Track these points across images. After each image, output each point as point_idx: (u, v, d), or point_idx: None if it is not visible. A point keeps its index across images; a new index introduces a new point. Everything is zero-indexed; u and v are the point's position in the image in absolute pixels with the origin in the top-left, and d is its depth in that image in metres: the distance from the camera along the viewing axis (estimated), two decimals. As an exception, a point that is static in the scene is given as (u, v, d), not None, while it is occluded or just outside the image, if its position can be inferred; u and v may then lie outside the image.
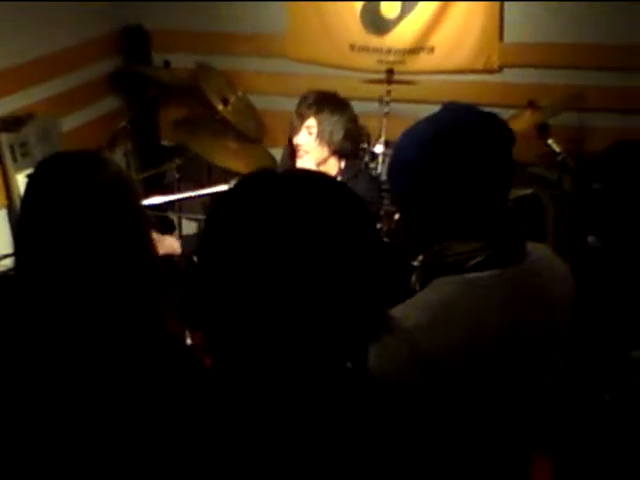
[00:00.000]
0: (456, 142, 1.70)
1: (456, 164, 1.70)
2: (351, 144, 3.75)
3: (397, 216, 3.85)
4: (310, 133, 3.61)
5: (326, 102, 3.67)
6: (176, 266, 3.55)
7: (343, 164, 3.74)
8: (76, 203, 1.63)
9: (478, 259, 1.73)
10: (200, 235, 3.51)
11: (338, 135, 3.63)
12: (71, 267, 1.61)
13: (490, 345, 1.70)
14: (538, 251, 1.86)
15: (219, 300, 1.22)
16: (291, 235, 1.18)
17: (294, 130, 3.67)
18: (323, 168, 3.64)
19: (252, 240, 1.19)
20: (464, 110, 1.80)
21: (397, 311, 1.75)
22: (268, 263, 1.18)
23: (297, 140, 3.65)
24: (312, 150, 3.62)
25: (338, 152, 3.69)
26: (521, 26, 4.85)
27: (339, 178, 3.63)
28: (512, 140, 1.77)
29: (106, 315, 1.62)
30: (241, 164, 4.24)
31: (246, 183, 1.28)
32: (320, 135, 3.61)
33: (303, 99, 3.71)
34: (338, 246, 1.21)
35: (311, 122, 3.62)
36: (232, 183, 1.34)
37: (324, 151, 3.63)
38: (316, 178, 1.32)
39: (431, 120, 1.80)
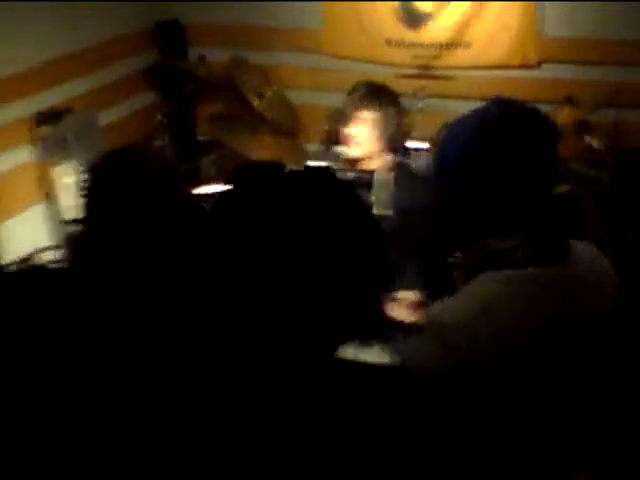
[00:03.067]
0: (502, 138, 1.69)
1: (501, 161, 1.68)
2: (399, 138, 3.72)
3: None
4: (365, 125, 3.57)
5: (381, 94, 3.61)
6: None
7: (389, 158, 3.69)
8: (129, 202, 1.65)
9: (520, 256, 1.71)
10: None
11: (391, 129, 3.59)
12: (129, 260, 1.63)
13: (530, 343, 1.69)
14: (581, 248, 1.84)
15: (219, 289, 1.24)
16: (282, 231, 1.22)
17: (347, 121, 3.61)
18: (368, 161, 3.61)
19: (244, 236, 1.23)
20: (510, 106, 1.78)
21: (437, 307, 1.74)
22: (256, 258, 1.21)
23: (350, 131, 3.59)
24: (364, 142, 3.57)
25: (386, 146, 3.65)
26: (560, 21, 4.81)
27: (383, 173, 3.59)
28: (557, 136, 1.76)
29: (165, 307, 1.63)
30: (276, 159, 4.24)
31: (245, 181, 1.31)
32: (375, 128, 3.56)
33: (355, 90, 3.65)
34: (333, 242, 1.24)
35: (367, 114, 3.56)
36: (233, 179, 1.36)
37: (375, 144, 3.59)
38: (311, 174, 1.34)
39: (477, 115, 1.78)
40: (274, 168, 1.33)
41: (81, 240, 1.78)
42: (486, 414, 1.65)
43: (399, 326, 3.09)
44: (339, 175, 3.75)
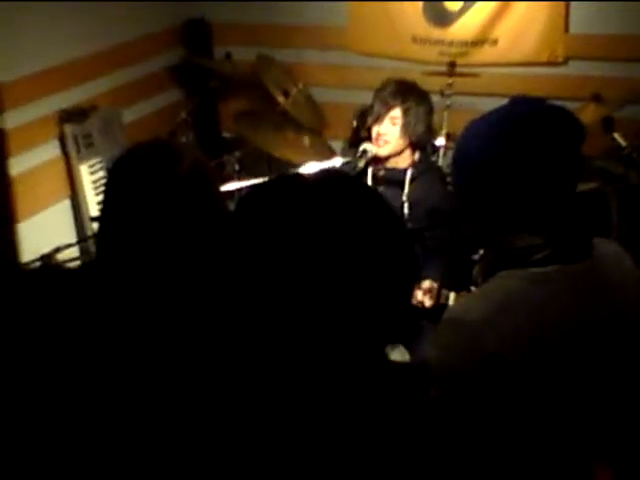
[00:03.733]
0: (523, 137, 1.67)
1: (523, 159, 1.67)
2: (428, 136, 3.71)
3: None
4: (394, 124, 3.53)
5: (411, 92, 3.59)
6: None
7: (417, 156, 3.65)
8: (156, 202, 1.64)
9: (542, 254, 1.70)
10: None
11: (421, 127, 3.56)
12: (154, 260, 1.63)
13: (553, 341, 1.68)
14: (605, 247, 1.82)
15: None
16: (308, 240, 1.20)
17: (377, 119, 3.58)
18: (396, 159, 3.60)
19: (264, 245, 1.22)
20: (532, 104, 1.76)
21: (459, 303, 1.73)
22: (282, 269, 1.20)
23: (380, 130, 3.56)
24: (393, 140, 3.55)
25: (415, 144, 3.63)
26: (587, 18, 4.78)
27: (410, 170, 3.58)
28: (582, 135, 1.73)
29: (191, 308, 1.62)
30: (301, 156, 4.24)
31: (271, 188, 1.30)
32: (405, 127, 3.53)
33: (384, 88, 3.63)
34: (361, 249, 1.22)
35: (396, 112, 3.54)
36: (255, 186, 1.37)
37: (403, 142, 3.57)
38: (340, 180, 1.33)
39: (498, 114, 1.77)
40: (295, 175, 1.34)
41: (105, 238, 1.76)
42: (508, 411, 1.64)
43: (417, 307, 3.12)
44: (370, 172, 3.73)
